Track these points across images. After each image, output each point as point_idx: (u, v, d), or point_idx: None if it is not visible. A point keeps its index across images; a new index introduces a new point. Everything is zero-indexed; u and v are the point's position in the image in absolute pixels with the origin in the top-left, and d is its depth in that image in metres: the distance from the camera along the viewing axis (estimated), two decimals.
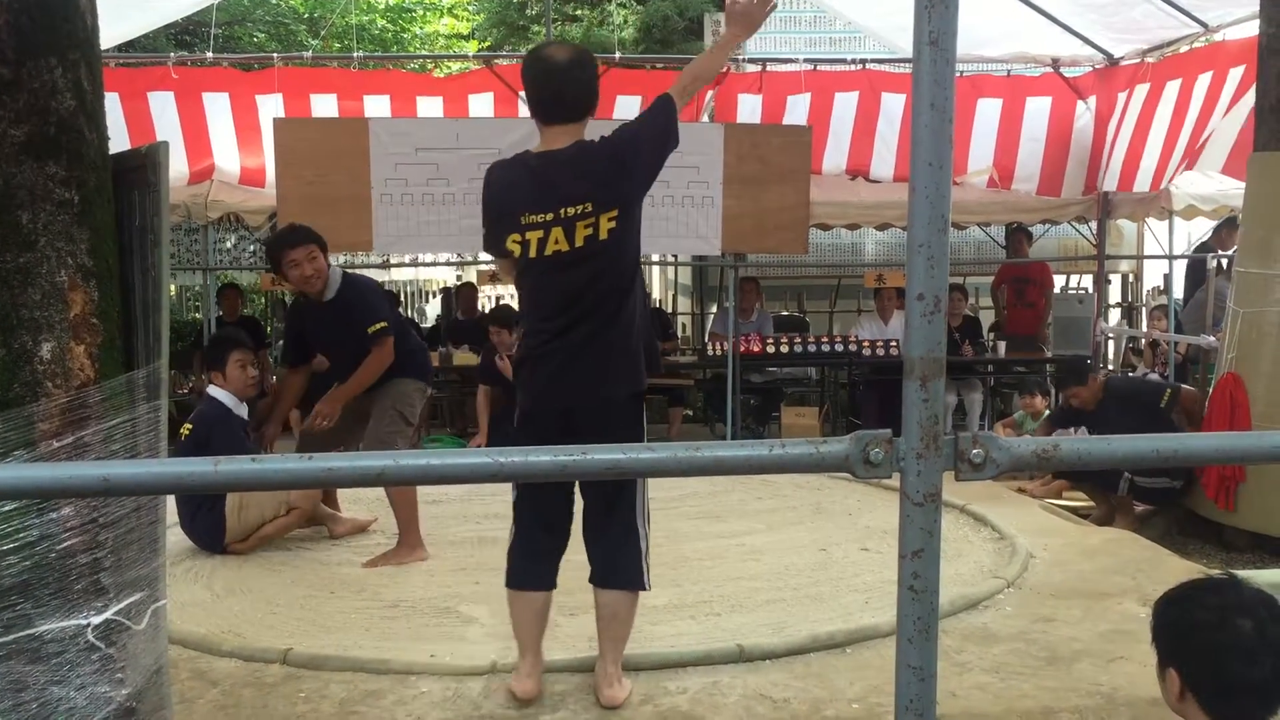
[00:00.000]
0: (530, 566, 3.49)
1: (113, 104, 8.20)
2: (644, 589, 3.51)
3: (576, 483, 3.46)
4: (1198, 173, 8.11)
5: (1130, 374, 7.28)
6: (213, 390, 5.43)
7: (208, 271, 9.24)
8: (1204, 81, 7.84)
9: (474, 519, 6.04)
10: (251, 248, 12.73)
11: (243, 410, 5.46)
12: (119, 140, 2.33)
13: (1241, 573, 2.23)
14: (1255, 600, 1.98)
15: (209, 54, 9.06)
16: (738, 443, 1.52)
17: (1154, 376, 8.59)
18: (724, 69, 3.94)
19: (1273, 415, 5.73)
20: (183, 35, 12.95)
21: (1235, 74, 7.48)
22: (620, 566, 3.46)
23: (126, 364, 2.21)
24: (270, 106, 8.66)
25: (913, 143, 1.49)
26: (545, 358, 3.37)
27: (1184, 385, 6.41)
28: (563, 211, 3.27)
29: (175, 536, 5.33)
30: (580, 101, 3.34)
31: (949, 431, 1.50)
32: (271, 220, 8.75)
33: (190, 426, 5.35)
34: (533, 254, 3.32)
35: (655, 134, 3.36)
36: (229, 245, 13.85)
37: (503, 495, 6.31)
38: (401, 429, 5.24)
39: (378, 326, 5.14)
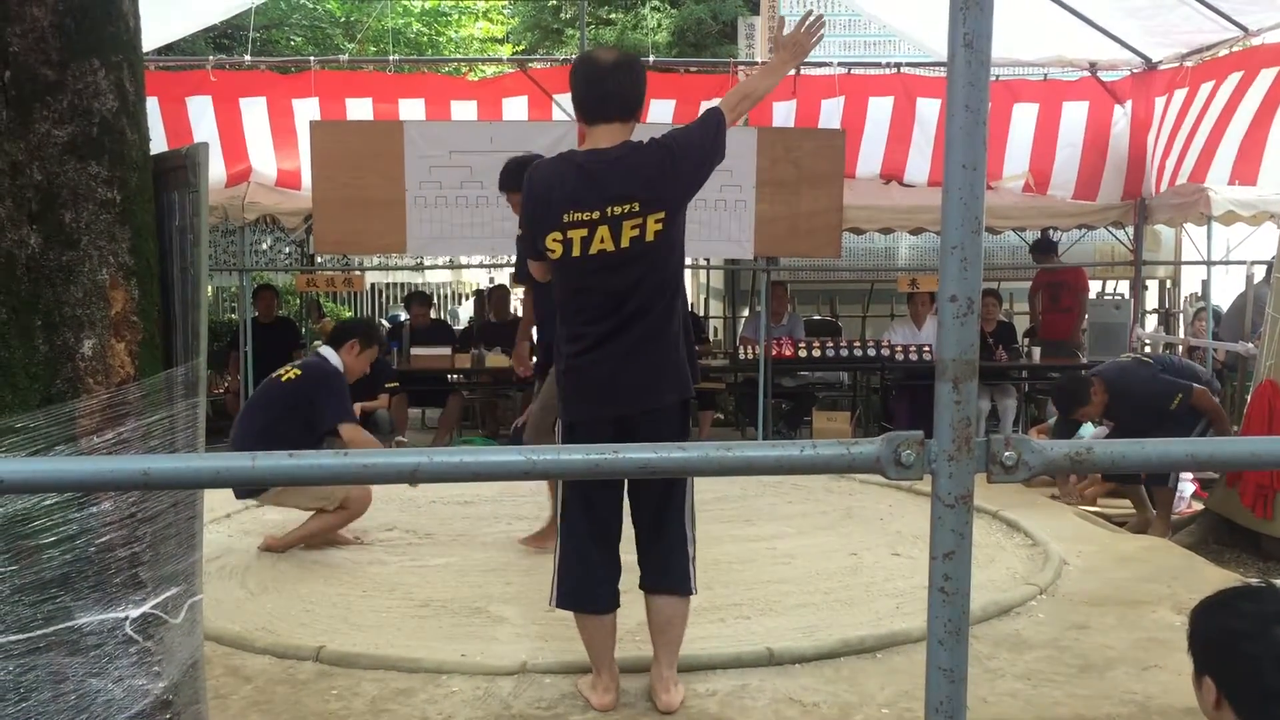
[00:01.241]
0: (592, 587, 3.44)
1: (151, 108, 8.30)
2: (691, 593, 3.49)
3: (625, 494, 3.44)
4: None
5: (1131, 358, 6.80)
6: (325, 351, 5.59)
7: (244, 272, 9.31)
8: (1233, 80, 7.75)
9: (505, 519, 6.07)
10: (287, 249, 12.85)
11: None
12: (156, 144, 2.36)
13: None
14: None
15: (247, 57, 9.15)
16: (769, 443, 1.53)
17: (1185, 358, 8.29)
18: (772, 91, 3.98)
19: None
20: (220, 39, 13.09)
21: (1268, 74, 7.39)
22: (670, 571, 3.45)
23: (166, 361, 2.24)
24: (307, 110, 8.73)
25: (946, 145, 1.49)
26: (593, 366, 3.32)
27: (1195, 385, 6.18)
28: (609, 210, 3.24)
29: (210, 534, 5.39)
30: (626, 100, 3.33)
31: (981, 434, 1.50)
32: (307, 222, 8.83)
33: (298, 372, 5.44)
34: (575, 253, 3.27)
35: (705, 143, 3.36)
36: (265, 247, 13.99)
37: (534, 498, 6.37)
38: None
39: None
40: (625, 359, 3.29)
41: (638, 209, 3.24)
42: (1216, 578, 4.71)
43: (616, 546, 3.47)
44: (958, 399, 1.47)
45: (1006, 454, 1.49)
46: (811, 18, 3.56)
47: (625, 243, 3.25)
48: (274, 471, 1.45)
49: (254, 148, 8.84)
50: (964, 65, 1.46)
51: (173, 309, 2.29)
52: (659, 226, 3.27)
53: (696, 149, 3.34)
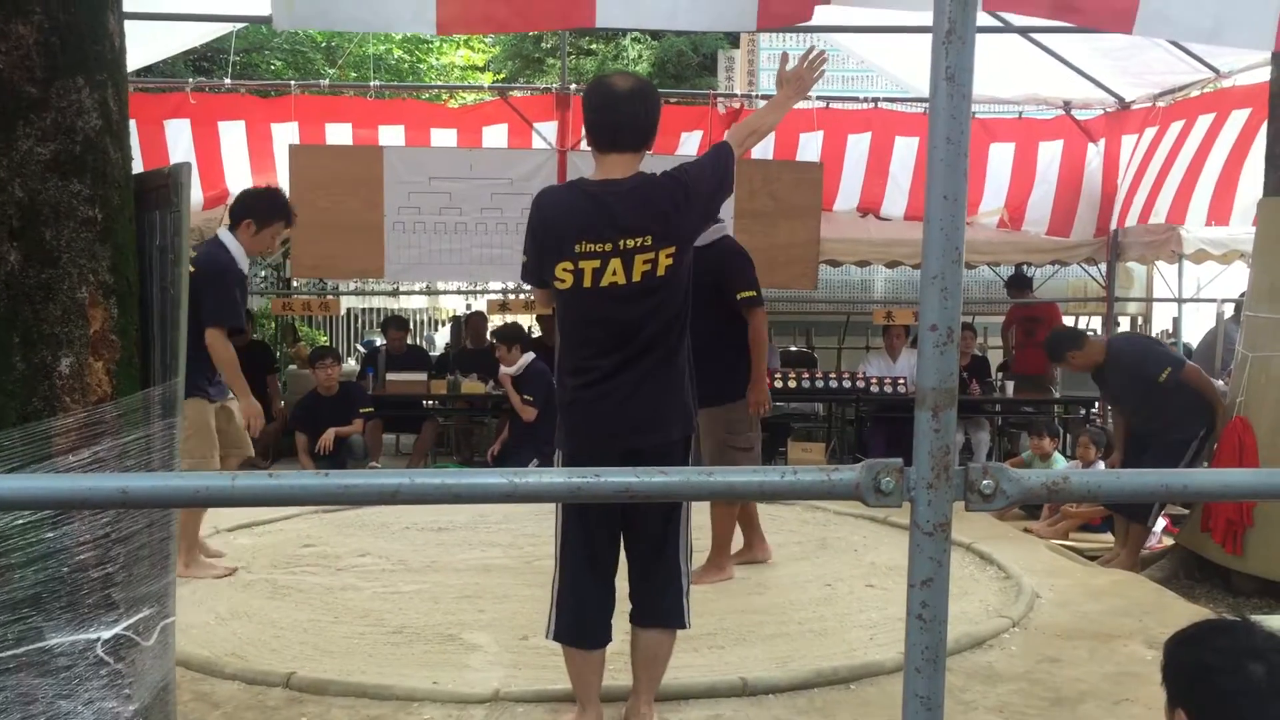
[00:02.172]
0: (586, 622, 3.38)
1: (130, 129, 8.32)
2: (685, 627, 3.45)
3: (621, 527, 3.40)
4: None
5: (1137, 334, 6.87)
6: (222, 234, 5.11)
7: None
8: (1205, 122, 7.93)
9: (480, 546, 6.04)
10: (263, 272, 12.80)
11: (245, 265, 5.16)
12: (133, 165, 2.36)
13: (1254, 616, 2.23)
14: (1267, 645, 1.98)
15: (227, 80, 9.15)
16: (750, 469, 1.54)
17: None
18: (778, 124, 4.01)
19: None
20: (201, 61, 13.08)
21: (1239, 116, 7.55)
22: (663, 605, 3.40)
23: (143, 381, 2.24)
24: (286, 135, 8.73)
25: (928, 176, 1.52)
26: (600, 399, 3.25)
27: (1189, 362, 6.22)
28: (623, 243, 3.16)
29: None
30: (640, 130, 3.25)
31: (959, 462, 1.52)
32: (284, 245, 8.81)
33: (194, 268, 4.66)
34: (586, 284, 3.19)
35: (717, 178, 3.33)
36: None
37: (507, 525, 6.35)
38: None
39: (749, 294, 5.01)
40: (633, 393, 3.23)
41: (651, 243, 3.17)
42: (1187, 612, 4.74)
43: (613, 580, 3.42)
44: (937, 427, 1.49)
45: (984, 482, 1.50)
46: (814, 54, 3.59)
47: (637, 276, 3.18)
48: (253, 491, 1.45)
49: (231, 171, 8.82)
50: (946, 98, 1.48)
51: (151, 328, 2.28)
52: (670, 261, 3.21)
53: (709, 183, 3.31)
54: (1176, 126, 8.33)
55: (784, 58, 3.78)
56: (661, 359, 3.26)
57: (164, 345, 2.26)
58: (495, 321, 11.34)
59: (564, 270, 3.22)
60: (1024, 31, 7.91)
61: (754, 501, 5.46)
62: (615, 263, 3.17)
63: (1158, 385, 6.14)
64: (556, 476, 1.52)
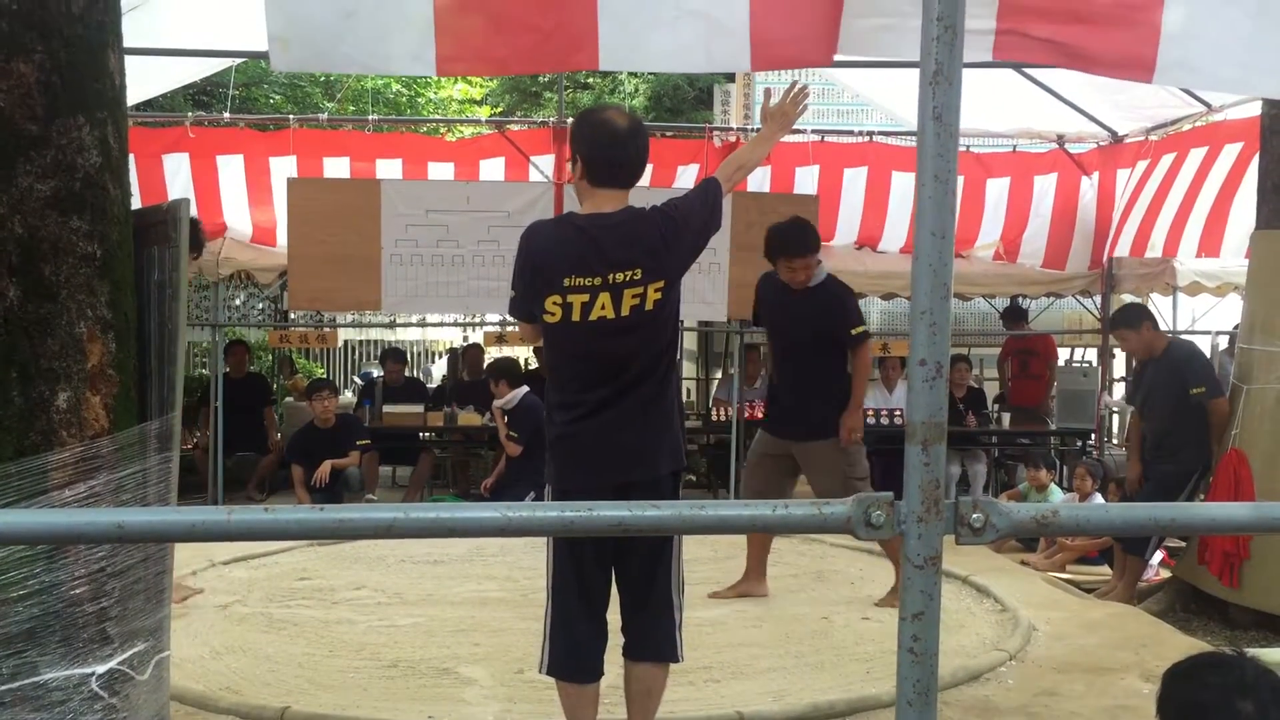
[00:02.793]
0: (579, 656, 3.35)
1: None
2: (677, 660, 3.43)
3: (613, 560, 3.38)
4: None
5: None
6: None
7: (216, 328, 9.29)
8: (1197, 156, 8.00)
9: (476, 579, 6.03)
10: (260, 305, 12.83)
11: None
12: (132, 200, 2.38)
13: (1250, 650, 2.23)
14: (1259, 681, 1.98)
15: (226, 114, 9.21)
16: (742, 502, 1.55)
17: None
18: (766, 158, 4.05)
19: (1275, 491, 5.72)
20: (200, 95, 13.16)
21: (1231, 150, 7.62)
22: (656, 639, 3.37)
23: (140, 415, 2.25)
24: (284, 168, 8.77)
25: (917, 214, 1.54)
26: (589, 434, 3.24)
27: (1224, 395, 6.15)
28: (612, 277, 3.16)
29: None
30: (638, 168, 3.29)
31: (952, 498, 1.53)
32: (281, 278, 8.84)
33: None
34: (575, 318, 3.19)
35: (706, 213, 3.34)
36: (238, 302, 13.95)
37: (503, 557, 6.34)
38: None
39: (861, 329, 5.35)
40: (623, 427, 3.23)
41: (640, 277, 3.18)
42: (1184, 645, 4.73)
43: (604, 614, 3.40)
44: (927, 461, 1.50)
45: (974, 516, 1.51)
46: (796, 88, 3.63)
47: (626, 311, 3.18)
48: (249, 526, 1.46)
49: (229, 205, 8.86)
50: (933, 137, 1.51)
51: (149, 362, 2.30)
52: (659, 295, 3.22)
53: (697, 218, 3.32)
54: (1168, 159, 8.40)
55: (767, 93, 3.85)
56: (650, 393, 3.26)
57: (161, 380, 2.28)
58: (493, 353, 11.36)
59: (553, 304, 3.22)
60: (1017, 66, 7.98)
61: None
62: (604, 297, 3.17)
63: (1188, 397, 6.12)
64: (550, 510, 1.53)
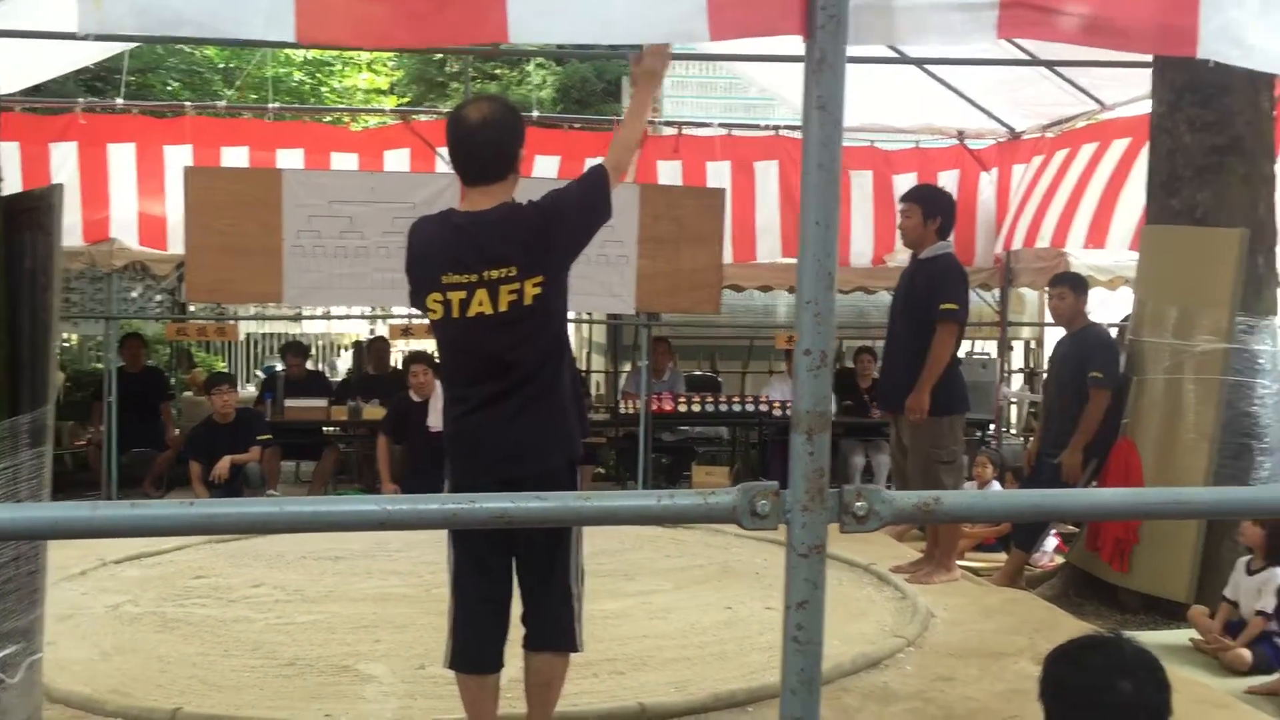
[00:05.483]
0: (478, 648, 3.34)
1: (10, 152, 8.05)
2: (576, 650, 3.41)
3: (510, 552, 3.36)
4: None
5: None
6: None
7: (110, 320, 9.01)
8: (1088, 151, 8.24)
9: (379, 574, 5.94)
10: (158, 297, 12.48)
11: None
12: (12, 188, 2.28)
13: (1127, 633, 2.29)
14: (1137, 661, 2.03)
15: (119, 100, 8.92)
16: (627, 493, 1.54)
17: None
18: (645, 131, 3.91)
19: (1164, 479, 5.90)
20: (94, 81, 12.74)
21: (1119, 145, 7.87)
22: (555, 629, 3.36)
23: (11, 409, 2.16)
24: (179, 157, 8.52)
25: (801, 203, 1.54)
26: (477, 428, 3.25)
27: (1109, 388, 6.18)
28: (486, 274, 3.17)
29: (63, 591, 5.16)
30: (496, 161, 3.25)
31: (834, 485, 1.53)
32: (179, 270, 8.60)
33: None
34: (455, 314, 3.20)
35: (586, 205, 3.32)
36: (135, 294, 13.56)
37: (407, 553, 6.25)
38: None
39: (950, 306, 5.32)
40: (510, 421, 3.23)
41: (515, 273, 3.18)
42: (1075, 629, 4.85)
43: (505, 606, 3.39)
44: (811, 450, 1.51)
45: (858, 504, 1.52)
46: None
47: (504, 306, 3.19)
48: (114, 522, 1.40)
49: (116, 196, 8.57)
50: (818, 126, 1.51)
51: (21, 355, 2.20)
52: (537, 290, 3.21)
53: (578, 211, 3.30)
54: (1061, 155, 8.64)
55: (635, 59, 3.63)
56: (538, 386, 3.25)
57: (33, 372, 2.19)
58: (399, 346, 11.21)
59: (434, 301, 3.24)
60: (919, 63, 8.10)
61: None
62: (481, 293, 3.18)
63: (1084, 380, 6.25)
64: (432, 503, 1.50)
